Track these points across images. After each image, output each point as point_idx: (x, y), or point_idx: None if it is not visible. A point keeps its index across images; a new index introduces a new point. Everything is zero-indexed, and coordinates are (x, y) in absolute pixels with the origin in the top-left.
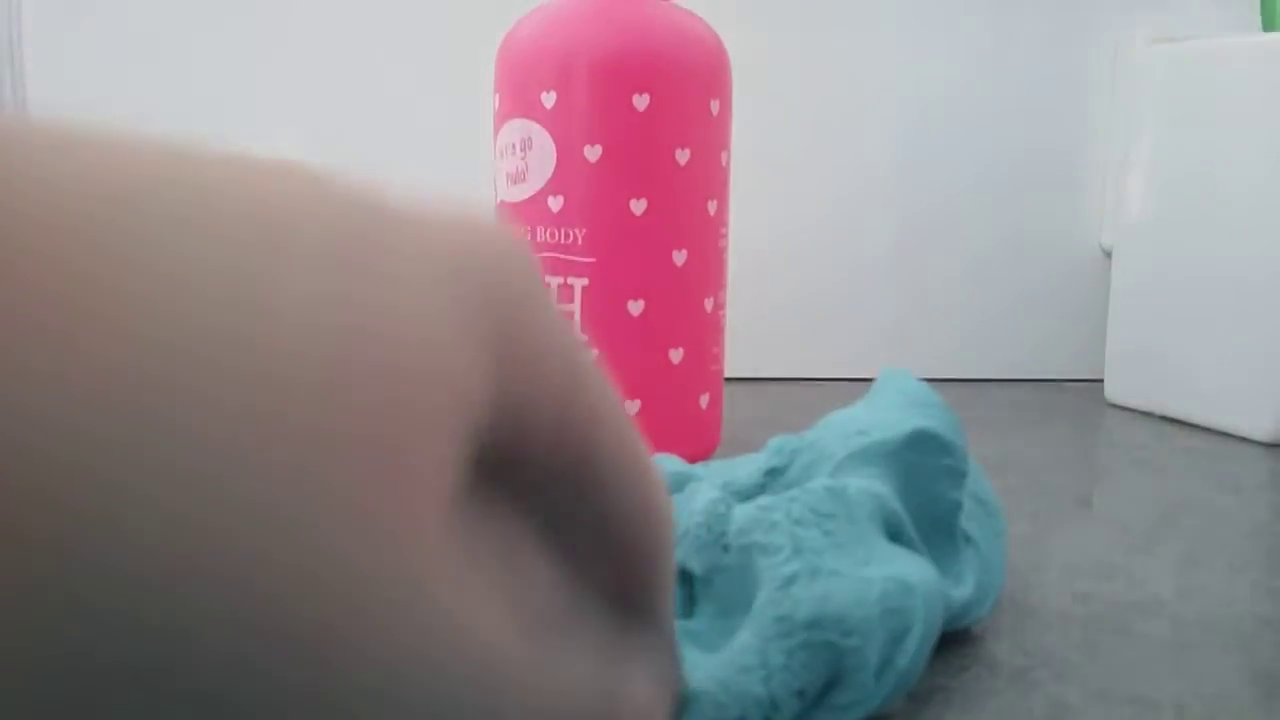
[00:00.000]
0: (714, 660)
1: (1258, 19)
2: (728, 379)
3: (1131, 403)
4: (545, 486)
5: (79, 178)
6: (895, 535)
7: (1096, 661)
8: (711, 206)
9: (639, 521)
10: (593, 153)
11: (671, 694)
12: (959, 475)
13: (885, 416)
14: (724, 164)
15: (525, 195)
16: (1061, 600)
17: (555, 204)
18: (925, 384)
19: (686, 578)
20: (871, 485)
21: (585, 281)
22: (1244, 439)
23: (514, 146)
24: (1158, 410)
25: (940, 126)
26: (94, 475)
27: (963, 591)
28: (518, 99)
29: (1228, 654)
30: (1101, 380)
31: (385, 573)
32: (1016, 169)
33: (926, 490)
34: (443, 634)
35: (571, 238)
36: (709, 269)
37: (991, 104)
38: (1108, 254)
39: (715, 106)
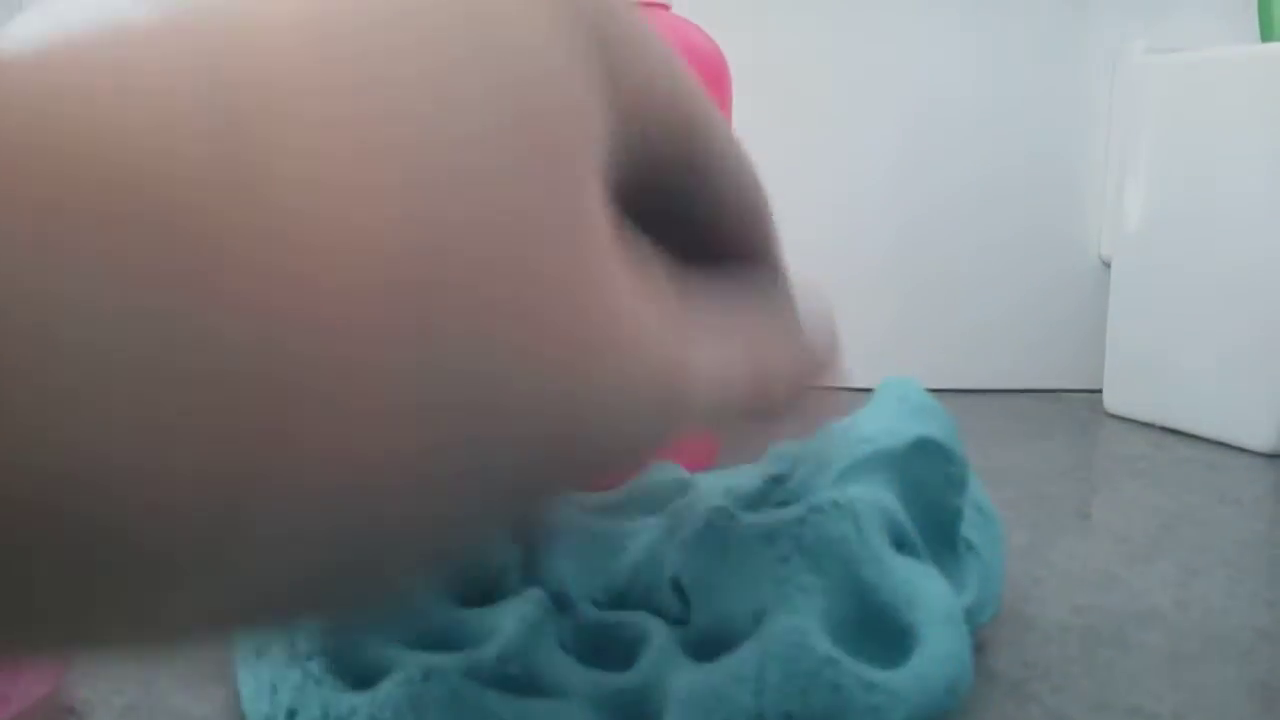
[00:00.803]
0: (706, 667)
1: (1256, 29)
2: None
3: (1131, 413)
4: (661, 190)
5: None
6: (900, 544)
7: (1095, 673)
8: None
9: (752, 189)
10: None
11: (801, 342)
12: (961, 483)
13: (888, 425)
14: None
15: None
16: (1060, 611)
17: None
18: (925, 391)
19: (678, 586)
20: (877, 496)
21: None
22: (1244, 450)
23: None
24: (1157, 421)
25: (938, 135)
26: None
27: (966, 598)
28: None
29: (1227, 666)
30: (1100, 390)
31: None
32: (1015, 178)
33: (929, 498)
34: (622, 332)
35: None
36: None
37: (990, 113)
38: (1106, 264)
39: None
